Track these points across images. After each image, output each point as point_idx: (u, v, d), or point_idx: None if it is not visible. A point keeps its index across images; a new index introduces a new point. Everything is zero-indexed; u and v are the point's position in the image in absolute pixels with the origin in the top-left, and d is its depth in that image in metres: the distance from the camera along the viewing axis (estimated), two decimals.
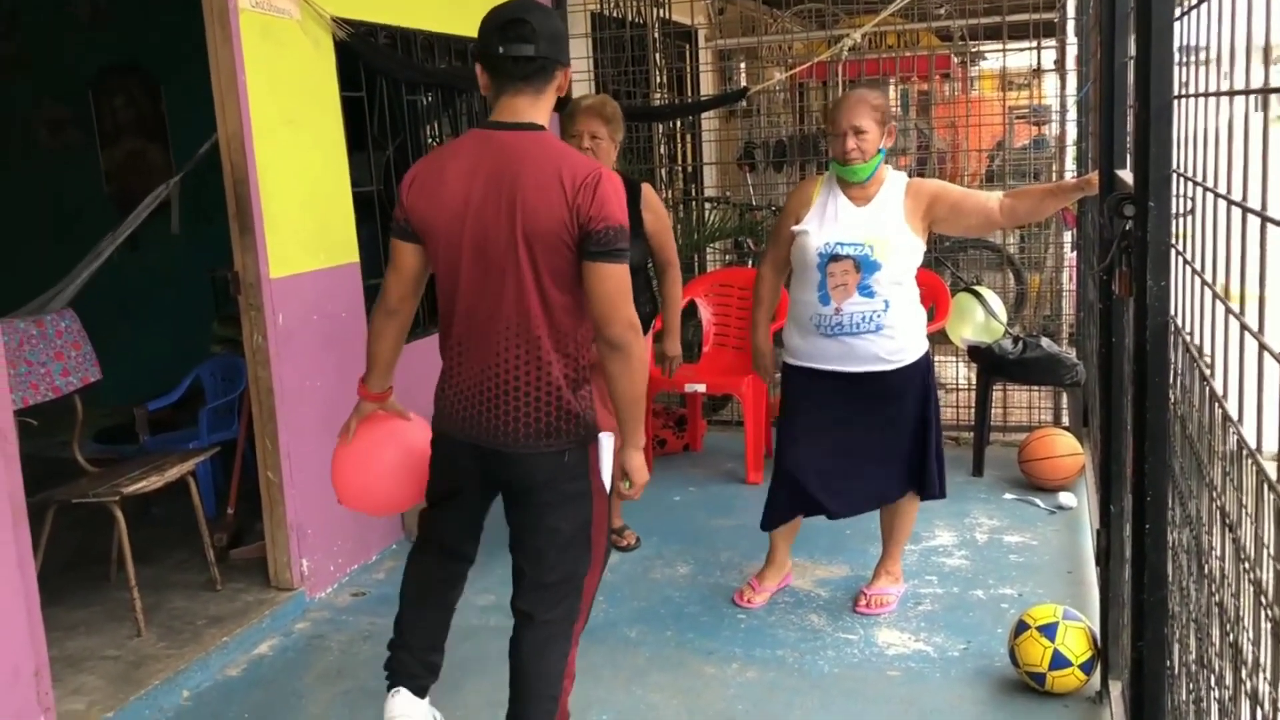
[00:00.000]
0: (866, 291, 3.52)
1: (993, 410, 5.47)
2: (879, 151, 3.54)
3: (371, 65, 4.52)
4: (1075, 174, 5.61)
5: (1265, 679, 1.32)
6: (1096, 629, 3.27)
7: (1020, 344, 5.18)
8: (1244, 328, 1.23)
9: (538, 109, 2.57)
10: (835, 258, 3.53)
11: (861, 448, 3.70)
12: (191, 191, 6.12)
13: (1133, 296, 1.96)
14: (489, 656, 3.47)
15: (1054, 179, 5.90)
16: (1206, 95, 1.83)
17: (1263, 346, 1.15)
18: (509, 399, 2.55)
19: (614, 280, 2.50)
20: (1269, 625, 1.21)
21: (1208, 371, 1.56)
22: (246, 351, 3.98)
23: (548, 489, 2.62)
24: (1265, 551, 1.22)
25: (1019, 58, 7.82)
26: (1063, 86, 5.82)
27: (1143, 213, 1.87)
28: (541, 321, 2.52)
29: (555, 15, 2.61)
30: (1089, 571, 4.07)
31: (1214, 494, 1.58)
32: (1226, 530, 1.39)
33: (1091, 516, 4.49)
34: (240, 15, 3.78)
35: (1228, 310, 1.36)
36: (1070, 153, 5.70)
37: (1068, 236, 6.06)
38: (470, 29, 2.61)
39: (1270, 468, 1.16)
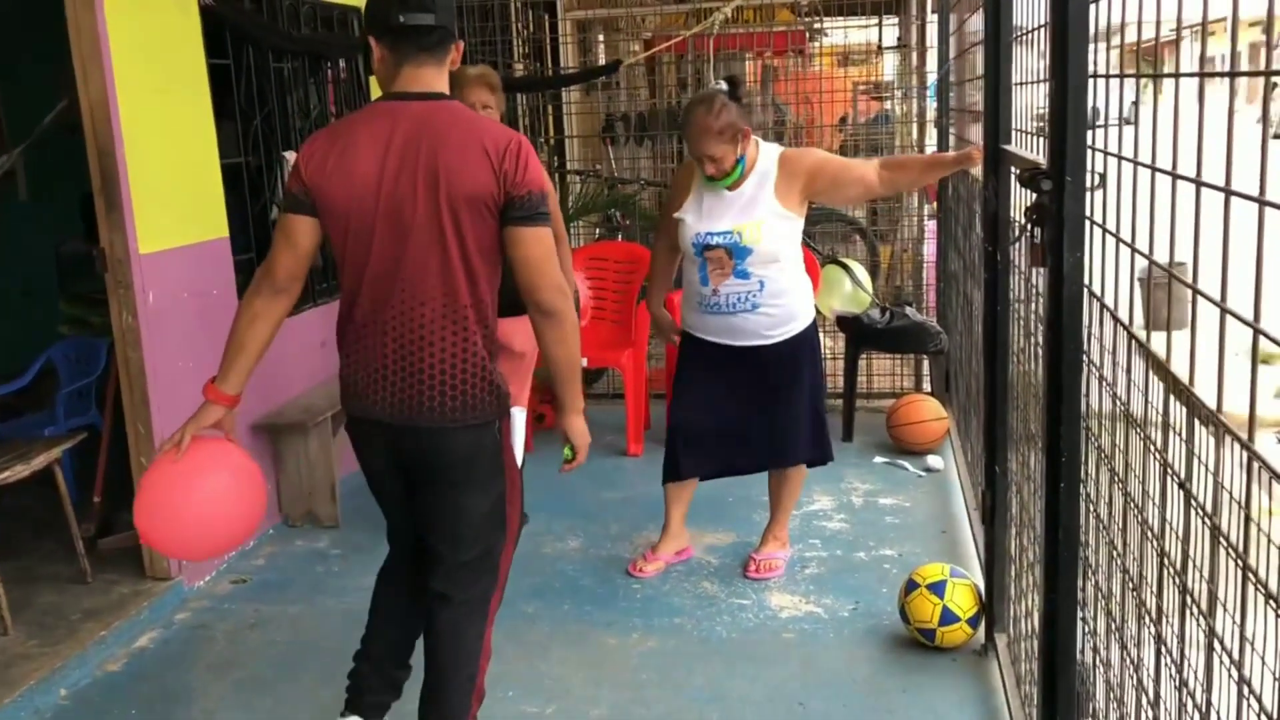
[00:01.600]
0: (741, 274, 3.61)
1: (858, 378, 5.64)
2: (739, 159, 3.57)
3: (238, 31, 4.33)
4: (936, 149, 5.81)
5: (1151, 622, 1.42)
6: (980, 585, 3.43)
7: (888, 314, 5.36)
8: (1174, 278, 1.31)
9: (441, 79, 2.52)
10: (708, 247, 3.61)
11: (744, 413, 3.79)
12: (33, 161, 5.78)
13: (1045, 267, 2.05)
14: None
15: (904, 153, 6.10)
16: (1121, 76, 1.93)
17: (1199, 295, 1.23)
18: (433, 373, 2.50)
19: (541, 245, 2.49)
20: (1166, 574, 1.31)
21: (1141, 337, 1.65)
22: (115, 332, 3.78)
23: (465, 465, 2.59)
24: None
25: (861, 34, 8.04)
26: (921, 63, 6.02)
27: (1059, 186, 1.96)
28: (466, 292, 2.48)
29: None
30: (962, 531, 4.27)
31: (1151, 448, 1.68)
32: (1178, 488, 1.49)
33: (961, 478, 4.70)
34: None
35: (1170, 276, 1.45)
36: (931, 130, 5.90)
37: (926, 209, 6.28)
38: None
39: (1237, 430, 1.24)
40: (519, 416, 2.76)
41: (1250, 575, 1.13)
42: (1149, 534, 1.53)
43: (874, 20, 6.79)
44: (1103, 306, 1.84)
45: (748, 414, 3.78)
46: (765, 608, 3.75)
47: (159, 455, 2.57)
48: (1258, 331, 1.14)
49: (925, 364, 6.01)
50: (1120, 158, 1.80)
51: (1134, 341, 1.66)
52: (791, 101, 8.42)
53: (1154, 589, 1.44)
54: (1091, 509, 2.03)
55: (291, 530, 4.56)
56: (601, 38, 9.10)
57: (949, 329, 5.47)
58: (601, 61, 8.34)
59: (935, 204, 5.95)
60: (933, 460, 5.04)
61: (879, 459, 5.13)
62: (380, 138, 2.45)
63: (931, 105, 5.97)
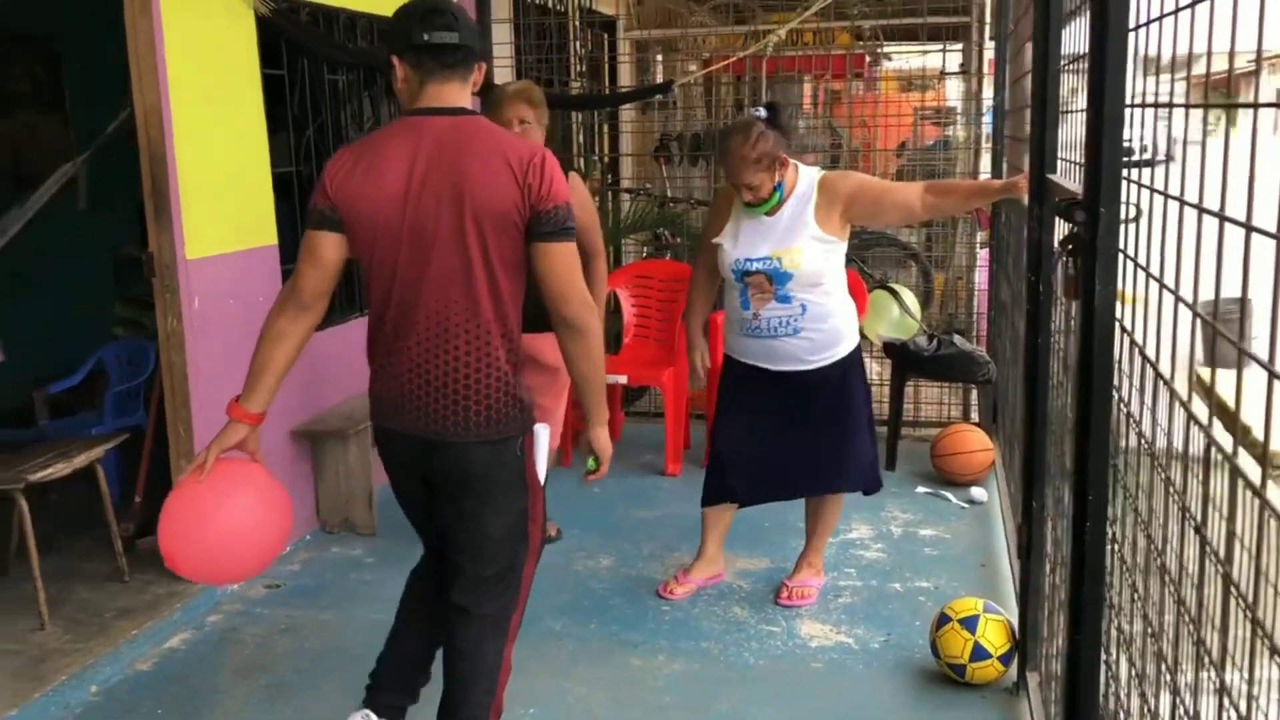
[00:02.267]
0: (783, 298, 3.57)
1: (904, 406, 5.57)
2: (777, 186, 3.54)
3: (293, 42, 4.40)
4: (991, 176, 5.73)
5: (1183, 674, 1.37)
6: (1014, 622, 3.35)
7: (935, 341, 5.28)
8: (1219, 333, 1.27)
9: (465, 97, 2.53)
10: (747, 273, 3.59)
11: (786, 440, 3.74)
12: (94, 168, 5.90)
13: (1079, 300, 2.00)
14: None
15: (961, 178, 6.02)
16: (1156, 106, 1.88)
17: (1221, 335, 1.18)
18: (458, 387, 2.50)
19: (568, 259, 2.49)
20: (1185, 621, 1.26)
21: (1166, 375, 1.60)
22: (160, 335, 3.84)
23: (487, 480, 2.59)
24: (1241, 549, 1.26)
25: (925, 59, 7.97)
26: (978, 89, 5.95)
27: (1093, 217, 1.91)
28: (490, 307, 2.49)
29: (464, 9, 2.58)
30: (1002, 565, 4.18)
31: (1171, 491, 1.62)
32: (1190, 528, 1.43)
33: (1003, 510, 4.61)
34: None
35: (1176, 301, 1.40)
36: (986, 156, 5.83)
37: (979, 237, 6.19)
38: (391, 9, 2.55)
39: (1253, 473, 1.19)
40: (543, 432, 2.74)
41: (1256, 626, 1.08)
42: (1167, 580, 1.48)
43: (936, 46, 6.72)
44: (1131, 342, 1.79)
45: (789, 440, 3.73)
46: (795, 636, 3.69)
47: (183, 477, 2.57)
48: (1273, 375, 1.10)
49: (974, 394, 5.92)
50: (1154, 190, 1.75)
51: (1160, 379, 1.61)
52: (848, 125, 8.39)
53: (1170, 638, 1.38)
54: (1116, 550, 1.97)
55: (328, 537, 4.59)
56: (660, 58, 9.13)
57: (998, 359, 5.38)
58: (659, 81, 8.37)
59: (988, 231, 5.86)
60: (976, 492, 4.95)
61: (921, 489, 5.05)
62: (405, 154, 2.46)
63: (987, 131, 5.89)
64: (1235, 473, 1.17)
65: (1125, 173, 1.91)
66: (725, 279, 3.71)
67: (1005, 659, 3.28)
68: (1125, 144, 1.87)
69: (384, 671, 2.86)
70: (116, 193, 6.07)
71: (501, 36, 5.97)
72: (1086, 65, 2.01)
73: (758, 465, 3.78)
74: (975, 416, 5.86)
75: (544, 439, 2.76)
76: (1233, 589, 1.18)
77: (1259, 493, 1.09)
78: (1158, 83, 1.87)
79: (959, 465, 5.06)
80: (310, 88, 4.58)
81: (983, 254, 6.15)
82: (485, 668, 2.68)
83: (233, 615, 3.90)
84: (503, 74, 5.91)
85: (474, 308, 2.49)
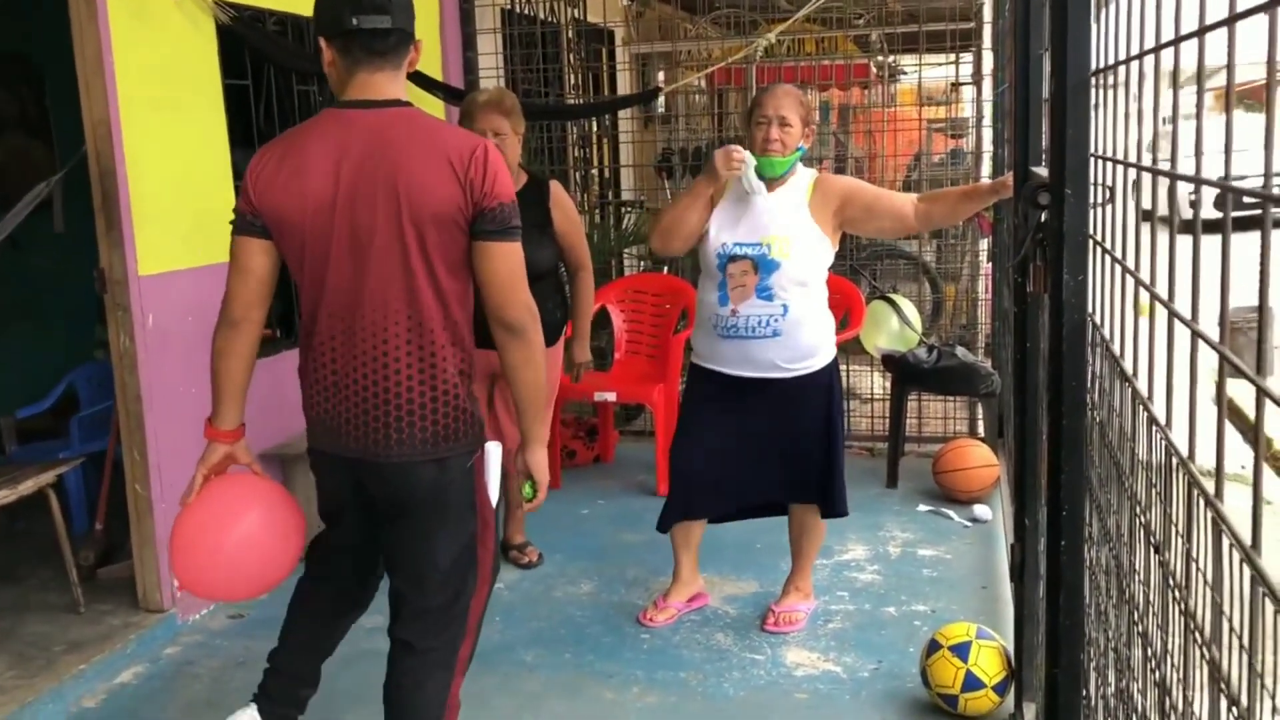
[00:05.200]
0: (765, 294, 3.37)
1: (907, 420, 5.35)
2: (798, 149, 3.40)
3: (258, 51, 4.25)
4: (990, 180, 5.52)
5: None
6: (1011, 648, 3.13)
7: (935, 353, 5.07)
8: (1173, 314, 1.07)
9: (398, 85, 2.36)
10: (733, 258, 3.39)
11: (755, 453, 3.55)
12: (77, 189, 5.78)
13: (1048, 293, 1.80)
14: (373, 684, 3.21)
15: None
16: (1128, 60, 1.68)
17: (1196, 334, 0.98)
18: (400, 402, 2.32)
19: (511, 260, 2.32)
20: (1202, 664, 1.05)
21: (1129, 370, 1.39)
22: (113, 356, 3.68)
23: (433, 501, 2.41)
24: (1198, 575, 1.06)
25: (937, 72, 7.77)
26: (979, 94, 5.75)
27: (1059, 201, 1.71)
28: (435, 312, 2.31)
29: None
30: (1004, 588, 3.95)
31: (1137, 508, 1.42)
32: (1152, 551, 1.23)
33: (1007, 530, 4.38)
34: None
35: (1153, 296, 1.20)
36: (986, 160, 5.62)
37: (984, 245, 5.98)
38: None
39: (1206, 483, 0.99)
40: (494, 450, 2.55)
41: (1209, 666, 0.88)
42: (1130, 607, 1.27)
43: (948, 58, 6.52)
44: (1101, 339, 1.58)
45: (757, 453, 3.53)
46: (780, 664, 3.48)
47: (182, 502, 2.47)
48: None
49: (979, 408, 5.69)
50: (1127, 164, 1.55)
51: (1124, 379, 1.40)
52: (855, 132, 8.20)
53: (1131, 670, 1.18)
54: (1089, 573, 1.76)
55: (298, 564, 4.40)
56: (662, 71, 8.98)
57: (1002, 370, 5.15)
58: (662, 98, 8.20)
59: (991, 238, 5.65)
60: (980, 510, 4.72)
61: (923, 507, 4.82)
62: (333, 151, 2.29)
63: (988, 136, 5.68)
64: (1193, 485, 0.97)
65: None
66: (706, 271, 3.51)
67: (1000, 689, 3.05)
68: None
69: (270, 681, 2.67)
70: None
71: (487, 47, 5.82)
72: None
73: (720, 480, 3.58)
74: (981, 431, 5.63)
75: (496, 456, 2.58)
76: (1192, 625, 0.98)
77: (1211, 500, 0.89)
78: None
79: (961, 481, 4.83)
80: (279, 98, 4.43)
81: (987, 264, 5.94)
82: (426, 706, 2.49)
83: (190, 647, 3.72)
84: (489, 86, 5.76)
85: (417, 316, 2.32)
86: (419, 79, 4.42)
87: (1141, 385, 1.42)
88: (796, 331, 3.40)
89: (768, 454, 3.53)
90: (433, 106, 4.99)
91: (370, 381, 2.35)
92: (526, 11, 6.42)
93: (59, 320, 6.19)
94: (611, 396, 5.17)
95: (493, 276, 2.32)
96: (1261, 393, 0.88)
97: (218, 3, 3.96)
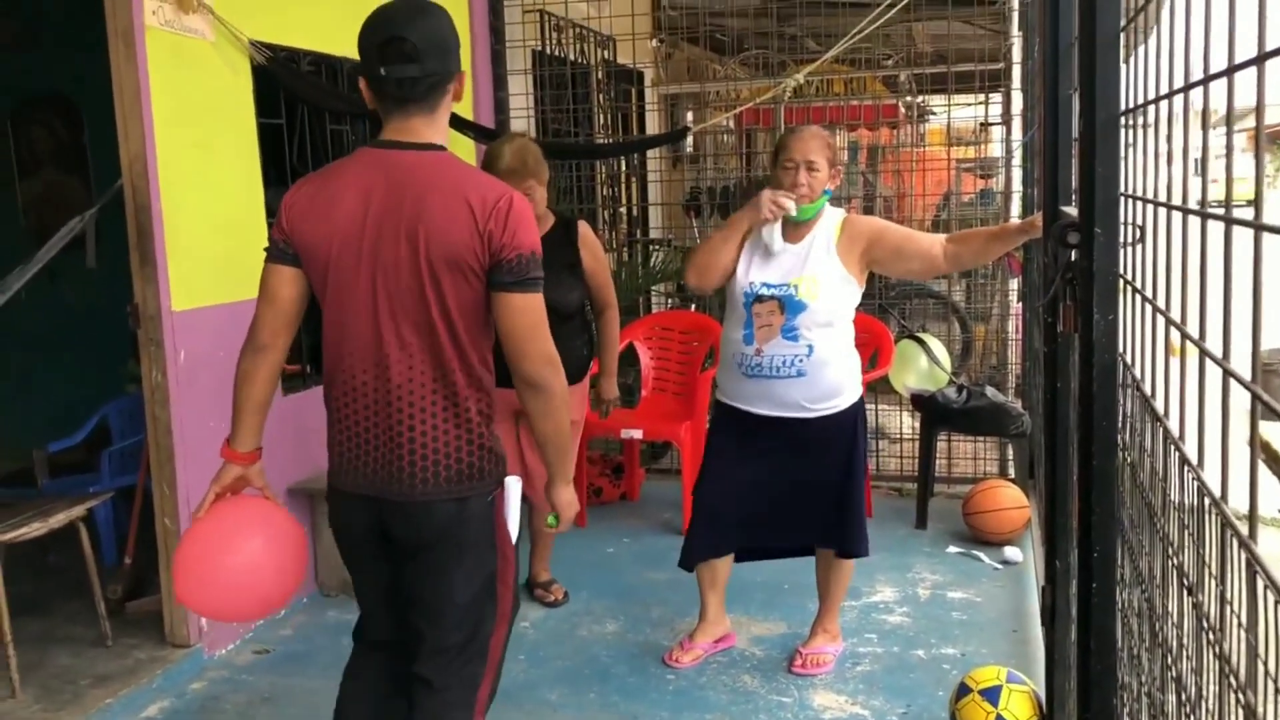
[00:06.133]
0: (791, 334, 3.36)
1: (937, 461, 5.31)
2: (825, 192, 3.40)
3: (292, 92, 4.31)
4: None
5: None
6: (1042, 693, 3.08)
7: (965, 393, 5.04)
8: (1204, 354, 1.05)
9: (434, 127, 2.36)
10: (760, 298, 3.38)
11: (779, 492, 3.53)
12: (113, 224, 5.86)
13: (1078, 332, 1.78)
14: None
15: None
16: (1156, 100, 1.67)
17: (1229, 373, 0.97)
18: (421, 439, 2.31)
19: (529, 313, 2.30)
20: (1238, 709, 1.03)
21: (1160, 410, 1.38)
22: (145, 390, 3.72)
23: (454, 539, 2.39)
24: (1233, 618, 1.04)
25: (966, 113, 7.77)
26: (1008, 134, 5.74)
27: (1089, 240, 1.70)
28: (452, 354, 2.31)
29: (440, 20, 2.33)
30: (1035, 631, 3.89)
31: (1169, 550, 1.39)
32: (1185, 593, 1.21)
33: (1038, 572, 4.32)
34: (147, 33, 3.57)
35: (1184, 336, 1.18)
36: (1016, 200, 5.60)
37: (1014, 285, 5.95)
38: None
39: (1240, 525, 0.98)
40: (514, 485, 2.55)
41: (1245, 711, 0.86)
42: (1163, 651, 1.25)
43: (977, 99, 6.53)
44: (1132, 379, 1.57)
45: (779, 491, 3.51)
46: (807, 707, 3.44)
47: (192, 517, 2.48)
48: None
49: (1010, 448, 5.64)
50: (1157, 204, 1.54)
51: (1155, 419, 1.39)
52: (884, 171, 8.21)
53: (1165, 715, 1.15)
54: (1121, 616, 1.73)
55: (326, 600, 4.41)
56: (690, 112, 9.04)
57: (1033, 410, 5.11)
58: (691, 137, 8.26)
59: (1021, 278, 5.62)
60: (1010, 552, 4.66)
61: (953, 548, 4.77)
62: (363, 189, 2.31)
63: (1018, 176, 5.67)
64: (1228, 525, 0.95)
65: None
66: (731, 309, 3.51)
67: None
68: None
69: None
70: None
71: (518, 88, 5.88)
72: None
73: (746, 518, 3.56)
74: (1012, 472, 5.57)
75: (516, 492, 2.57)
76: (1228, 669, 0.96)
77: (1246, 542, 0.88)
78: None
79: (992, 523, 4.78)
80: (312, 138, 4.49)
81: (1017, 305, 5.91)
82: None
83: (217, 682, 3.72)
84: (519, 127, 5.81)
85: (436, 355, 2.32)
86: (450, 118, 4.47)
87: (1173, 425, 1.40)
88: (821, 372, 3.39)
89: (789, 492, 3.51)
90: (464, 145, 5.04)
91: (393, 420, 2.34)
92: (557, 53, 6.48)
93: (92, 354, 6.27)
94: (638, 434, 5.16)
95: (511, 328, 2.31)
96: None
97: (254, 44, 4.03)
